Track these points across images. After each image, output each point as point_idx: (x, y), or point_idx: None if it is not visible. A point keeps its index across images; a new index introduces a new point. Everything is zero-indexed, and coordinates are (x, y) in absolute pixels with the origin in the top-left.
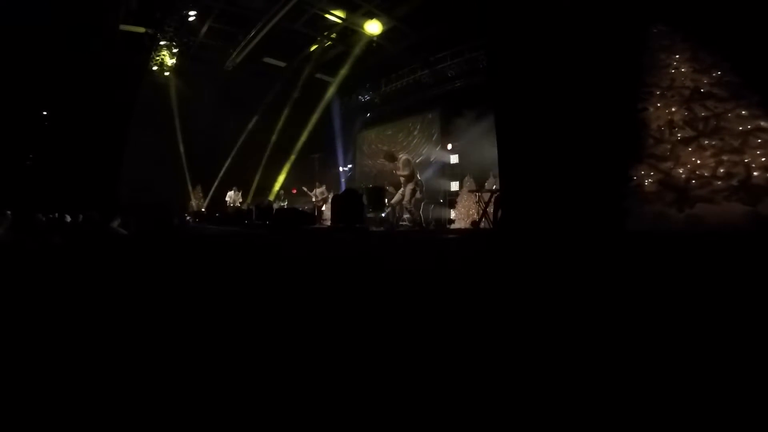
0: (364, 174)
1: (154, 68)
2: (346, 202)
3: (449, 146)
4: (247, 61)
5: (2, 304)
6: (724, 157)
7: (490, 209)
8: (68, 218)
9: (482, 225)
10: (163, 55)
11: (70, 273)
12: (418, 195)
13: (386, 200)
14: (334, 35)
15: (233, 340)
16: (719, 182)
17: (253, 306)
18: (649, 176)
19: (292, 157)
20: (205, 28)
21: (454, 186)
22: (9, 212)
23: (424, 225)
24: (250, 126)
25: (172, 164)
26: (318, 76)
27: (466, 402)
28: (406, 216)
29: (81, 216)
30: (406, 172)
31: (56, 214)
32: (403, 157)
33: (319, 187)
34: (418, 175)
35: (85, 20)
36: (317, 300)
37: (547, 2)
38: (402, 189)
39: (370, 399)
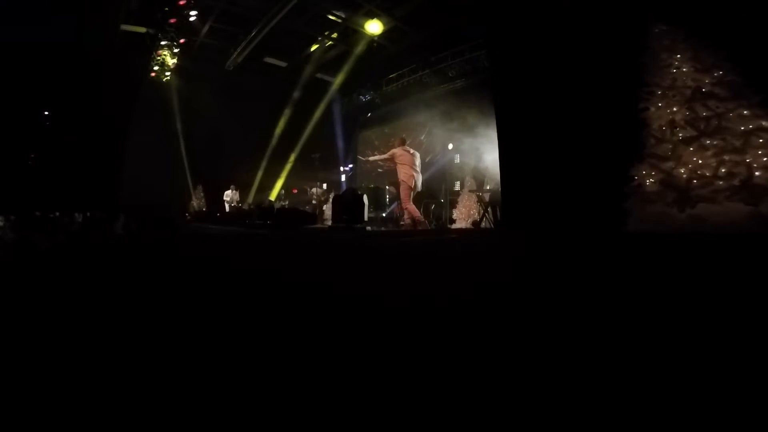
0: (365, 174)
1: (155, 68)
2: (346, 202)
3: (450, 146)
4: (248, 61)
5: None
6: (726, 157)
7: (491, 209)
8: (77, 216)
9: (483, 225)
10: (164, 55)
11: (75, 273)
12: (415, 188)
13: (387, 200)
14: (334, 35)
15: None
16: (721, 182)
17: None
18: (651, 176)
19: (293, 157)
20: (206, 28)
21: (455, 186)
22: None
23: (426, 224)
24: (251, 126)
25: (173, 164)
26: (318, 75)
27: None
28: (406, 216)
29: (81, 216)
30: (397, 160)
31: (58, 213)
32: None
33: (319, 187)
34: (414, 166)
35: (85, 20)
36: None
37: (547, 2)
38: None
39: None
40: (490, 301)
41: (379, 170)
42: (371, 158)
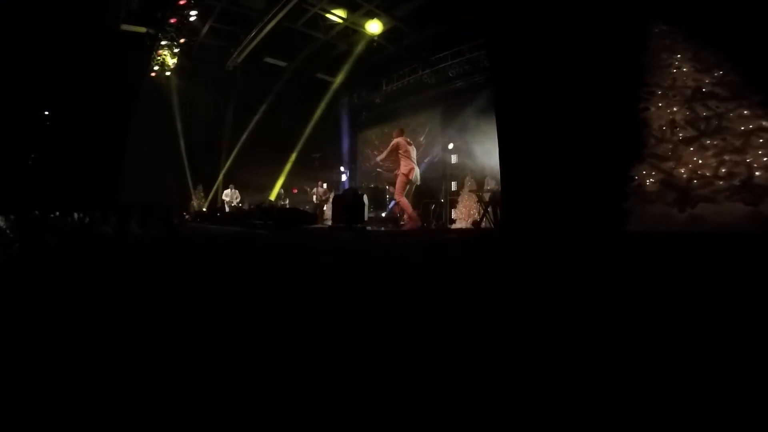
0: (365, 174)
1: (155, 68)
2: (346, 202)
3: (450, 146)
4: (248, 60)
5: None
6: (726, 157)
7: (491, 209)
8: (75, 217)
9: (483, 225)
10: (164, 55)
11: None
12: (415, 181)
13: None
14: (334, 35)
15: None
16: (721, 182)
17: None
18: (651, 176)
19: (293, 157)
20: (206, 28)
21: (455, 186)
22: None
23: (418, 220)
24: (251, 126)
25: (173, 164)
26: (319, 75)
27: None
28: (406, 216)
29: (78, 215)
30: (401, 151)
31: (58, 213)
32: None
33: (320, 187)
34: (413, 158)
35: (85, 20)
36: None
37: (547, 2)
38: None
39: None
40: (488, 301)
41: (379, 170)
42: (380, 158)
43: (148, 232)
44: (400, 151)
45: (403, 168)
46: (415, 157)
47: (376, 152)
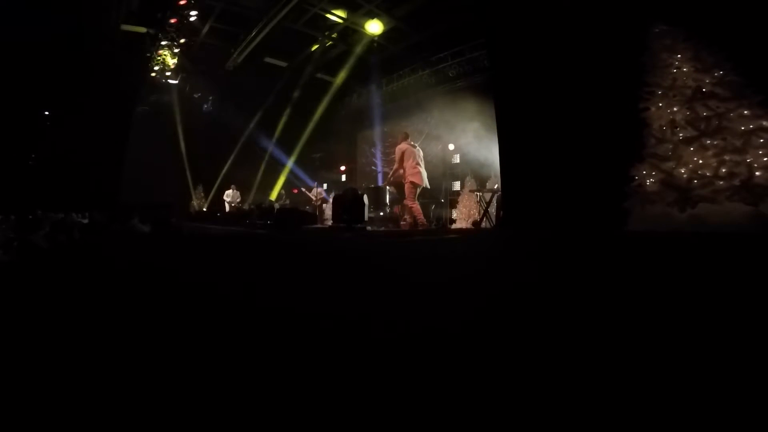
0: (365, 174)
1: (156, 68)
2: (346, 202)
3: (450, 146)
4: (248, 61)
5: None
6: (726, 157)
7: (492, 209)
8: (75, 216)
9: (483, 224)
10: (164, 55)
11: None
12: (424, 185)
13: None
14: (335, 35)
15: None
16: (721, 182)
17: None
18: (651, 176)
19: (293, 157)
20: (206, 28)
21: (455, 186)
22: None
23: (427, 226)
24: (251, 126)
25: (173, 165)
26: (319, 76)
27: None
28: (408, 217)
29: (79, 216)
30: (405, 157)
31: (60, 214)
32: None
33: (319, 187)
34: (420, 161)
35: (85, 20)
36: None
37: (547, 2)
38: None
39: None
40: (487, 298)
41: (375, 169)
42: (392, 174)
43: (151, 232)
44: (404, 158)
45: (410, 173)
46: (422, 160)
47: (373, 149)
